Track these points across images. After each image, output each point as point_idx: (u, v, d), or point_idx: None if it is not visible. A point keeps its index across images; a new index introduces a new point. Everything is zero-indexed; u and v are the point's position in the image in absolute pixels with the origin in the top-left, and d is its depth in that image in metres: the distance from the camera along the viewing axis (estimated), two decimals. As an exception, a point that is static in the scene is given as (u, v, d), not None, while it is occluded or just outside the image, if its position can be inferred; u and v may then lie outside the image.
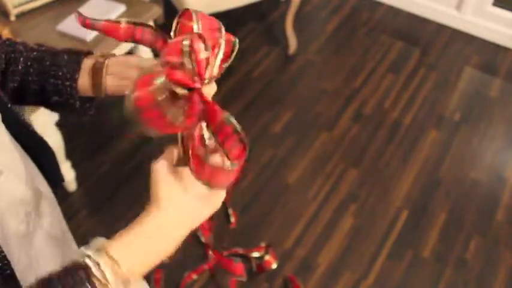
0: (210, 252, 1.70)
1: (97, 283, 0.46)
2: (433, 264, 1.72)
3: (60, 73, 0.67)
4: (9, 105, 0.61)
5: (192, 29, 0.54)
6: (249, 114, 2.15)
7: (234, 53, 0.56)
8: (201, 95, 0.49)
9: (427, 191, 1.93)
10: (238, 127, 0.47)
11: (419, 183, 1.96)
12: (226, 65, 0.55)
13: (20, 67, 0.68)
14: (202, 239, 1.73)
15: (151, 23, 1.72)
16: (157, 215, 0.51)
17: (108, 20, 0.58)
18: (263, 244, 1.73)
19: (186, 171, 0.52)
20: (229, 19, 2.55)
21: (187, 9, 0.55)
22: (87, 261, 0.46)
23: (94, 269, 0.46)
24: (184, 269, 1.67)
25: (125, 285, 0.47)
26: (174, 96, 0.49)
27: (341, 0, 2.79)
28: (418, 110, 2.23)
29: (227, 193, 0.55)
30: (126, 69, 0.67)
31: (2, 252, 0.52)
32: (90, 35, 1.52)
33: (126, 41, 0.60)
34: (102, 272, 0.46)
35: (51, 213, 0.73)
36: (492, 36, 2.57)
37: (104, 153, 1.98)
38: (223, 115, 0.47)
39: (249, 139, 0.46)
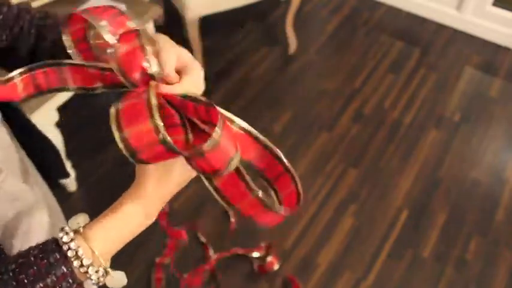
0: (210, 252, 1.70)
1: (75, 266, 0.46)
2: (433, 264, 1.72)
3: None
4: (15, 106, 0.61)
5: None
6: (249, 114, 2.15)
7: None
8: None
9: (427, 191, 1.93)
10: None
11: (419, 183, 1.95)
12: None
13: (48, 43, 0.65)
14: (202, 239, 1.74)
15: (151, 24, 1.72)
16: (137, 203, 0.52)
17: None
18: (263, 244, 1.73)
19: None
20: (229, 19, 2.55)
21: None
22: (65, 246, 0.46)
23: (71, 253, 0.46)
24: (184, 269, 1.67)
25: (103, 269, 0.48)
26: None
27: (341, 0, 2.79)
28: (418, 110, 2.23)
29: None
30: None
31: (3, 253, 0.52)
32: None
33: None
34: (80, 257, 0.46)
35: (51, 210, 0.74)
36: (492, 36, 2.57)
37: (104, 153, 1.98)
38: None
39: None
